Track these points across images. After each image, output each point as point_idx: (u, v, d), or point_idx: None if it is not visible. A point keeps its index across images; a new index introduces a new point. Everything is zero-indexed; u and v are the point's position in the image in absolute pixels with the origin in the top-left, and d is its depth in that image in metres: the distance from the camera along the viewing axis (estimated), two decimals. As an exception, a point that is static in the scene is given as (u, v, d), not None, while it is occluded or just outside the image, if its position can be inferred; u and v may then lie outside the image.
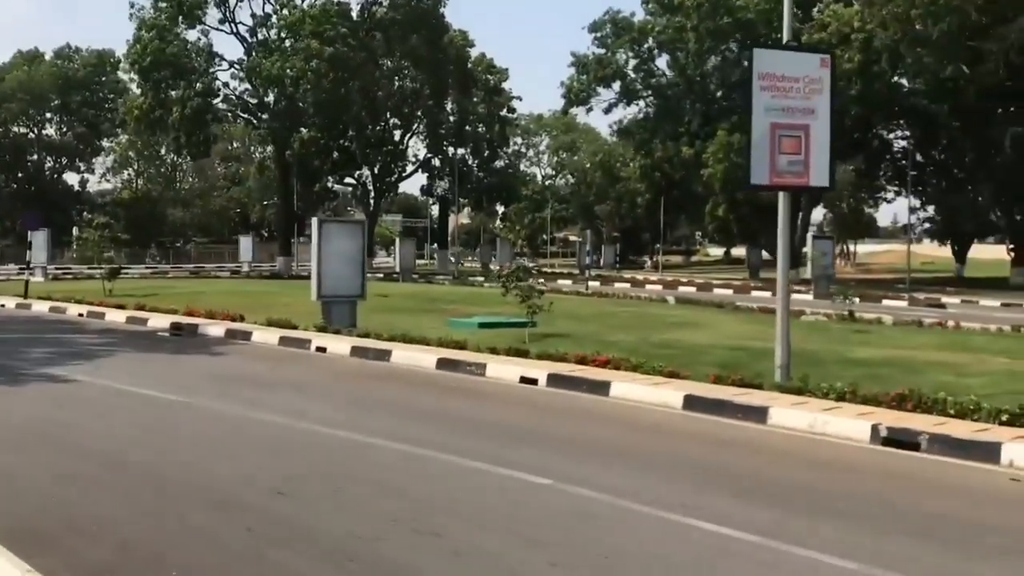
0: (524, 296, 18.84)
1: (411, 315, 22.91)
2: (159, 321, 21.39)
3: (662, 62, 56.63)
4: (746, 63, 12.19)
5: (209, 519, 6.19)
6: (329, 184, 69.07)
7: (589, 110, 58.06)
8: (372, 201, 69.09)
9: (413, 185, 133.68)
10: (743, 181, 49.54)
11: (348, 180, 70.63)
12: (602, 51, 56.08)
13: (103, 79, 75.07)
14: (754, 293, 39.40)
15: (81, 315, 24.09)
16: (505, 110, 71.05)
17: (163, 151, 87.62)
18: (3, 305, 27.58)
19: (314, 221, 20.35)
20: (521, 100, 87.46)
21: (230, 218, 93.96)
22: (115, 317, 22.95)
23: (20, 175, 74.19)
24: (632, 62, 56.00)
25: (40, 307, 26.14)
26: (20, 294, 28.72)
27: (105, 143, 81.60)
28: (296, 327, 19.20)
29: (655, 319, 22.77)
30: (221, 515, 6.30)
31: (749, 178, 11.37)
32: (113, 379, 12.52)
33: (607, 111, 58.36)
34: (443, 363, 14.58)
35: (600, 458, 8.42)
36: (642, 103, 57.93)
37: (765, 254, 59.71)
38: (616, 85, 56.16)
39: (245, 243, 61.41)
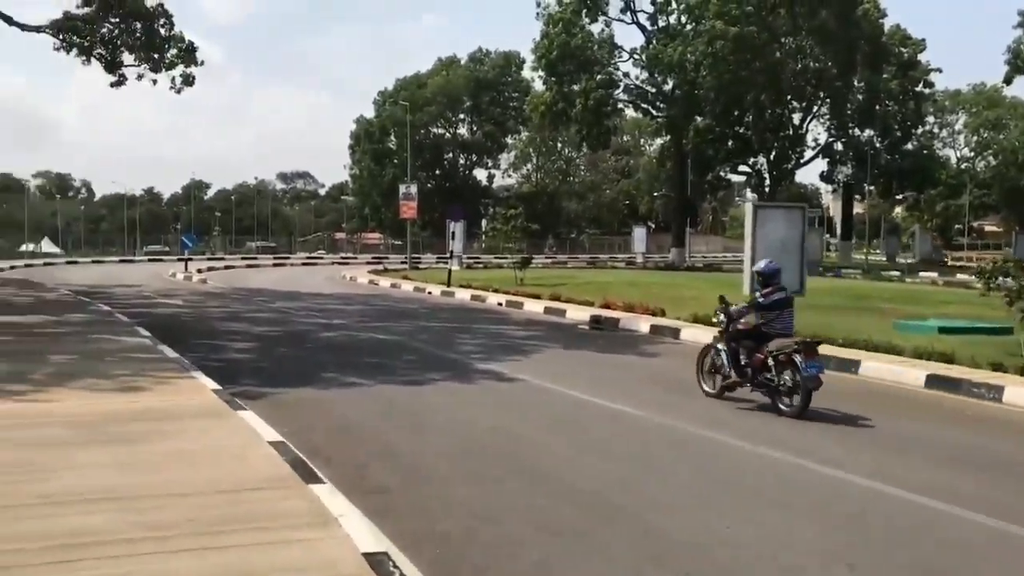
0: (1013, 297, 15.17)
1: (843, 314, 19.96)
2: (577, 313, 20.58)
3: None
4: None
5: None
6: (722, 173, 66.74)
7: (1041, 75, 49.27)
8: (767, 190, 65.33)
9: (807, 173, 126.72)
10: None
11: (742, 168, 67.58)
12: (1059, 5, 47.28)
13: (508, 79, 79.15)
14: None
15: (500, 304, 24.18)
16: (921, 85, 63.49)
17: (559, 146, 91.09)
18: (430, 292, 28.90)
19: (747, 206, 18.29)
20: (941, 72, 77.28)
21: (619, 210, 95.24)
22: (533, 307, 22.63)
23: (438, 172, 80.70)
24: (1100, 15, 46.52)
25: (462, 295, 26.86)
26: (443, 282, 30.01)
27: (508, 140, 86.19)
28: (726, 326, 17.24)
29: None
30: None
31: None
32: (556, 381, 11.28)
33: (1062, 76, 49.15)
34: (935, 381, 11.67)
35: None
36: (1112, 64, 48.03)
37: None
38: (1078, 45, 47.07)
39: (639, 234, 61.33)
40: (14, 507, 5.18)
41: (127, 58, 26.98)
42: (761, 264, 10.48)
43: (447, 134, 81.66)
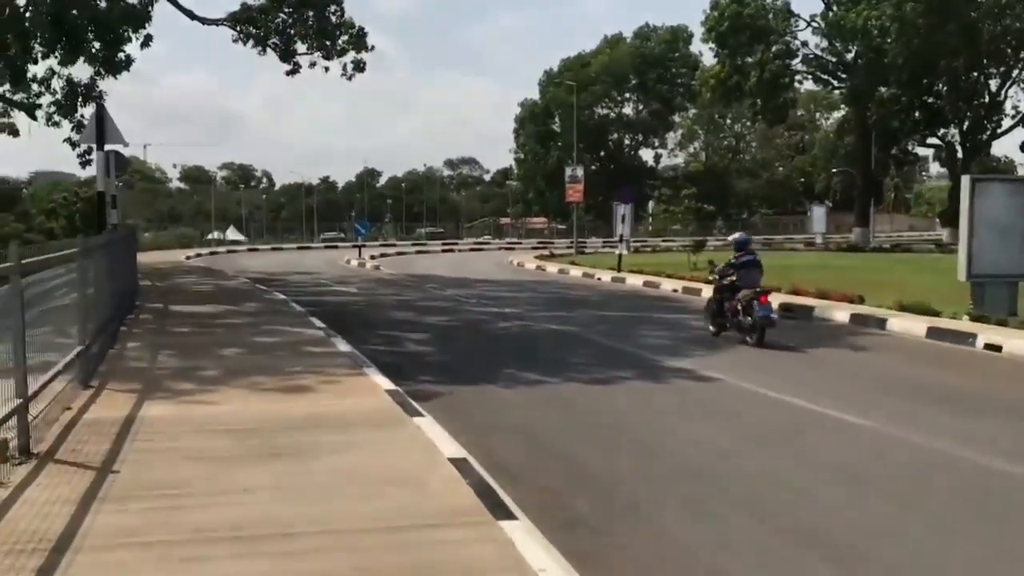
0: None
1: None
2: (764, 301, 19.00)
3: None
4: None
5: None
6: (908, 146, 61.98)
7: None
8: (959, 163, 60.17)
9: (1003, 144, 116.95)
10: None
11: (930, 141, 62.53)
12: None
13: (676, 55, 76.40)
14: None
15: (675, 291, 22.80)
16: None
17: (727, 122, 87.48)
18: (599, 279, 27.80)
19: (964, 180, 16.14)
20: None
21: (793, 187, 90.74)
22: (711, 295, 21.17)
23: (602, 153, 79.06)
24: None
25: (633, 281, 25.61)
26: (613, 267, 28.83)
27: (675, 118, 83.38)
28: (938, 313, 15.32)
29: None
30: None
31: None
32: (757, 381, 9.96)
33: None
34: None
35: None
36: None
37: None
38: None
39: (818, 213, 57.95)
40: (165, 543, 4.51)
41: (300, 47, 27.22)
42: (736, 235, 14.61)
43: (612, 114, 79.81)
